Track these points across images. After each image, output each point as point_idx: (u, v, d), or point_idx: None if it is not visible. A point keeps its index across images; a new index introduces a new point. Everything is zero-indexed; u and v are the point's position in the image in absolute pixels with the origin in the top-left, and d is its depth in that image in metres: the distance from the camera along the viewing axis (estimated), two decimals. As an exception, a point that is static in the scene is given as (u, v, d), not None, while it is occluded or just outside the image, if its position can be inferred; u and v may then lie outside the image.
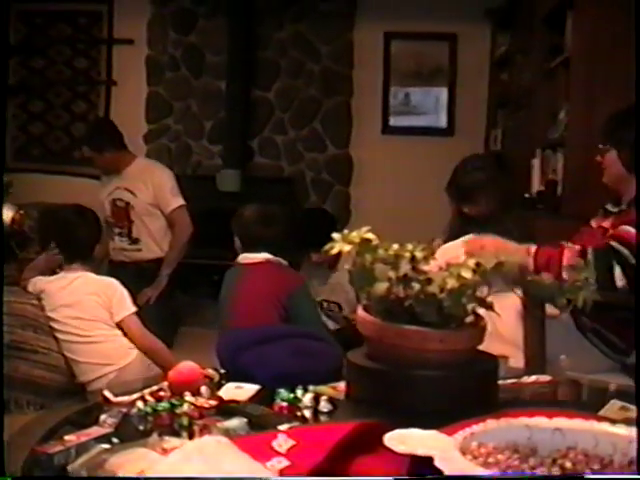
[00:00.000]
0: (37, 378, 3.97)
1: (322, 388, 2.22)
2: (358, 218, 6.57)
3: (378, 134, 6.79)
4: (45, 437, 1.99)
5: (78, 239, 4.13)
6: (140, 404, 2.08)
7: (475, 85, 6.64)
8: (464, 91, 6.71)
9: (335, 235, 1.86)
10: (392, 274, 1.86)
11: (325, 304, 4.72)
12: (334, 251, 1.83)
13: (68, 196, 6.60)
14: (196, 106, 6.84)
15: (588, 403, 2.40)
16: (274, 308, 3.42)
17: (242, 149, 6.63)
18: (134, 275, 4.77)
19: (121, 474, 1.63)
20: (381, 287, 1.84)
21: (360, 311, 1.95)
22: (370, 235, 1.84)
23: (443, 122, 6.83)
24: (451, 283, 1.80)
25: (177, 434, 1.95)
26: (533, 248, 2.74)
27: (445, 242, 3.08)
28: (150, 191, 5.11)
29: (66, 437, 1.85)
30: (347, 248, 1.83)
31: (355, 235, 1.83)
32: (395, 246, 1.91)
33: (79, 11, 7.13)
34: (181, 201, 5.20)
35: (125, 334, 3.98)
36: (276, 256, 3.64)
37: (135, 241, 5.17)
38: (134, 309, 4.02)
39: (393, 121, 6.85)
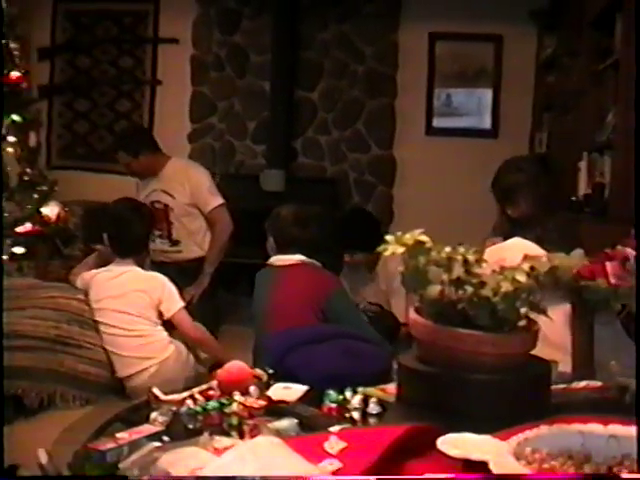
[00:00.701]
0: (82, 373, 4.01)
1: (371, 390, 2.22)
2: (401, 219, 6.55)
3: (422, 135, 6.76)
4: (96, 434, 2.00)
5: (132, 234, 4.19)
6: (190, 403, 2.09)
7: (520, 87, 6.59)
8: (509, 93, 6.66)
9: (388, 237, 1.85)
10: (445, 277, 1.85)
11: (366, 305, 4.68)
12: (387, 253, 1.82)
13: (112, 194, 6.65)
14: (240, 106, 6.86)
15: None
16: (311, 310, 3.40)
17: (286, 149, 6.63)
18: (175, 274, 4.76)
19: (173, 472, 1.64)
20: (434, 290, 1.83)
21: (412, 313, 1.95)
22: (423, 237, 1.83)
23: (487, 124, 6.79)
24: (505, 286, 1.78)
25: (227, 433, 1.95)
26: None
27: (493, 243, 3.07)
28: (187, 191, 5.10)
29: (118, 434, 1.86)
30: (400, 250, 1.82)
31: (409, 237, 1.82)
32: (447, 248, 1.90)
33: (125, 10, 7.18)
34: (220, 200, 5.18)
35: (166, 328, 4.05)
36: (311, 258, 3.62)
37: (175, 243, 5.17)
38: (183, 304, 4.09)
39: (436, 122, 6.82)
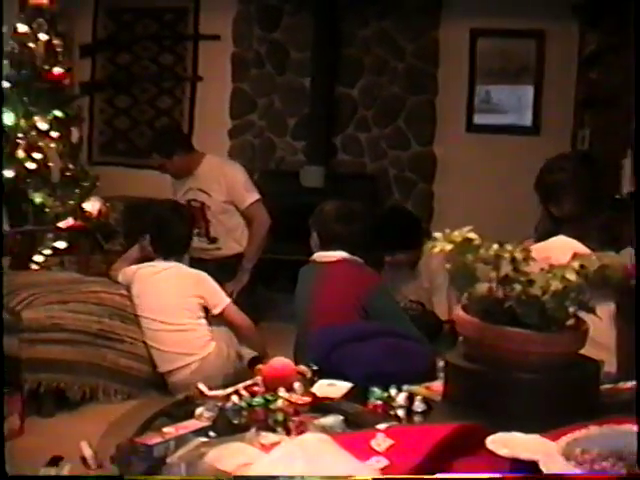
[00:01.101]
0: (124, 367, 4.06)
1: (416, 388, 2.21)
2: (441, 217, 6.52)
3: (462, 132, 6.71)
4: (141, 428, 2.01)
5: (173, 235, 4.24)
6: (235, 398, 2.09)
7: (562, 83, 6.52)
8: (550, 89, 6.60)
9: (437, 234, 1.84)
10: (493, 274, 1.84)
11: (407, 303, 4.67)
12: (436, 250, 1.82)
13: (152, 190, 6.70)
14: (280, 102, 6.86)
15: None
16: (353, 307, 3.39)
17: (326, 146, 6.62)
18: (215, 271, 4.78)
19: (220, 468, 1.64)
20: (482, 288, 1.82)
21: (459, 311, 1.93)
22: (472, 235, 1.82)
23: (528, 121, 6.73)
24: (555, 285, 1.77)
25: (272, 430, 1.95)
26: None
27: (535, 242, 3.03)
28: (223, 189, 5.10)
29: (165, 429, 1.86)
30: (448, 247, 1.81)
31: (457, 234, 1.81)
32: (495, 246, 1.88)
33: (166, 7, 7.20)
34: (256, 195, 5.18)
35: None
36: (353, 255, 3.61)
37: (214, 240, 5.18)
38: (229, 299, 4.14)
39: (477, 119, 6.77)
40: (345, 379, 2.28)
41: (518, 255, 1.88)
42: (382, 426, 1.83)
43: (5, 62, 5.48)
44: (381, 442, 1.68)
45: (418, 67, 6.64)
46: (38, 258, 5.23)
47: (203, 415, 2.00)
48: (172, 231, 4.26)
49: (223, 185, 5.09)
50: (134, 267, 4.26)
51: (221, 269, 5.06)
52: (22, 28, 5.48)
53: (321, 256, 3.61)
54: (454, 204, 6.52)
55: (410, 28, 6.62)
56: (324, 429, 1.86)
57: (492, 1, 6.50)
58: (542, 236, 3.36)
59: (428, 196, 6.68)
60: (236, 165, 5.38)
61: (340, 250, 3.55)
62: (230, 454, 1.66)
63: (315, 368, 2.35)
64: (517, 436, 1.62)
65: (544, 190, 3.79)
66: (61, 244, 5.37)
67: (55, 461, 2.59)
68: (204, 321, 4.09)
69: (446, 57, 6.66)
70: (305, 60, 6.70)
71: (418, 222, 4.94)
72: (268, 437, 1.77)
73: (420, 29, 6.62)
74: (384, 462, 1.63)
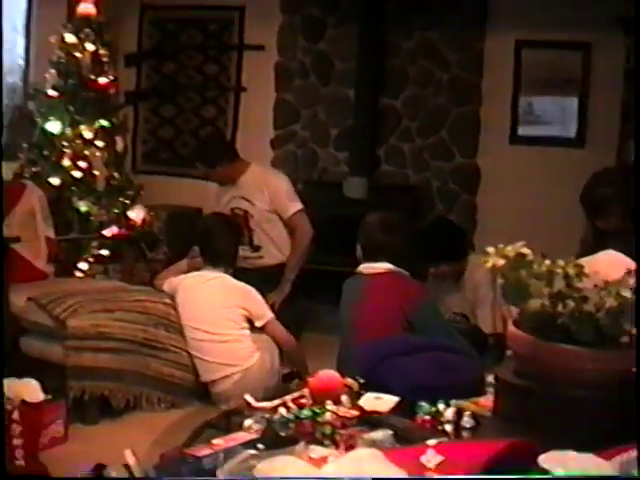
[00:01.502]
0: (167, 376, 4.07)
1: (464, 402, 2.20)
2: (484, 229, 6.47)
3: (506, 143, 6.66)
4: (190, 439, 2.02)
5: (222, 248, 4.29)
6: (283, 411, 2.09)
7: (607, 95, 6.44)
8: (596, 101, 6.53)
9: (489, 248, 1.82)
10: (546, 290, 1.82)
11: (451, 316, 4.63)
12: (488, 265, 1.80)
13: (195, 199, 6.75)
14: (323, 113, 6.86)
15: None
16: (397, 320, 3.37)
17: (369, 157, 6.61)
18: (257, 280, 4.79)
19: (270, 481, 1.63)
20: (535, 303, 1.80)
21: (511, 327, 1.91)
22: (525, 250, 1.80)
23: (572, 132, 6.66)
24: (609, 302, 1.74)
25: (320, 442, 1.95)
26: None
27: (580, 256, 2.99)
28: (267, 198, 5.11)
29: (213, 441, 1.87)
30: (501, 262, 1.79)
31: (510, 249, 1.80)
32: (547, 262, 1.86)
33: (210, 18, 7.24)
34: (299, 205, 5.17)
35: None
36: (398, 266, 3.59)
37: (257, 249, 5.18)
38: (272, 314, 4.15)
39: (521, 130, 6.72)
40: (391, 392, 2.27)
41: (571, 271, 1.86)
42: (432, 442, 1.82)
43: (52, 71, 5.55)
44: (431, 458, 1.66)
45: (462, 78, 6.61)
46: (83, 266, 5.27)
47: (251, 427, 1.99)
48: (220, 243, 4.32)
49: (266, 194, 5.10)
50: (180, 277, 4.29)
51: (263, 279, 5.05)
52: (69, 38, 5.53)
53: (366, 268, 3.61)
54: (497, 216, 6.47)
55: (455, 39, 6.60)
56: (374, 443, 1.84)
57: (538, 12, 6.45)
58: (587, 250, 3.32)
59: (471, 208, 6.64)
60: (280, 174, 5.39)
61: (385, 262, 3.54)
62: (280, 467, 1.65)
63: (362, 381, 2.33)
64: (570, 454, 1.60)
65: (590, 204, 3.76)
66: (105, 252, 5.41)
67: (99, 469, 2.59)
68: (248, 332, 4.10)
69: (490, 68, 6.62)
70: (349, 71, 6.70)
71: (463, 233, 4.90)
72: (317, 450, 1.76)
73: (465, 40, 6.59)
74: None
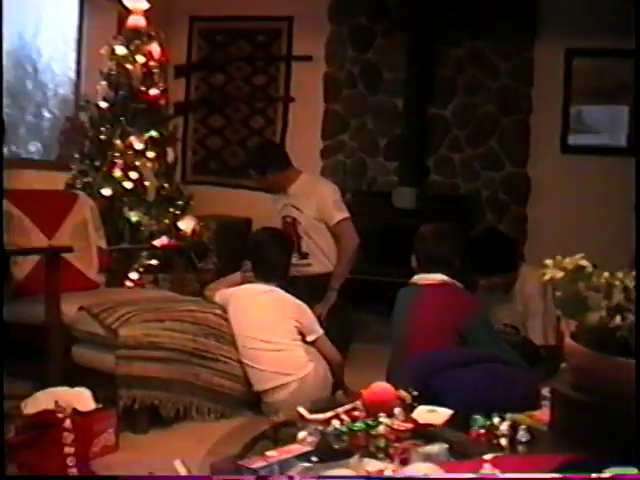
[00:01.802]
0: (217, 386, 4.08)
1: (519, 416, 2.16)
2: (534, 239, 6.42)
3: (557, 152, 6.60)
4: (244, 450, 2.01)
5: (273, 262, 4.32)
6: (336, 423, 2.07)
7: (660, 104, 6.37)
8: (648, 110, 6.45)
9: (547, 261, 1.80)
10: (604, 303, 1.79)
11: (501, 327, 4.59)
12: (546, 277, 1.77)
13: (245, 210, 6.78)
14: (372, 123, 6.86)
15: None
16: (450, 333, 3.35)
17: (418, 167, 6.59)
18: (306, 290, 4.79)
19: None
20: (594, 316, 1.77)
21: (568, 340, 1.89)
22: (584, 262, 1.77)
23: (622, 141, 6.59)
24: (670, 315, 1.71)
25: (373, 456, 1.93)
26: None
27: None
28: (314, 205, 5.13)
29: (268, 453, 1.86)
30: (559, 274, 1.76)
31: (568, 261, 1.77)
32: (606, 274, 1.83)
33: (259, 29, 7.28)
34: (345, 214, 5.18)
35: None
36: (452, 278, 3.57)
37: (305, 256, 5.19)
38: (322, 331, 4.17)
39: (571, 140, 6.66)
40: (444, 405, 2.25)
41: (629, 283, 1.82)
42: (488, 456, 1.79)
43: (103, 83, 5.61)
44: (488, 473, 1.64)
45: (512, 87, 6.57)
46: (133, 276, 5.31)
47: (305, 439, 1.98)
48: (272, 258, 4.36)
49: (314, 202, 5.12)
50: (232, 288, 4.33)
51: (312, 287, 5.05)
52: (120, 50, 5.59)
53: (421, 278, 3.59)
54: (547, 226, 6.42)
55: (504, 47, 6.56)
56: (428, 457, 1.82)
57: (588, 21, 6.39)
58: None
59: (521, 218, 6.59)
60: (329, 183, 5.40)
61: (439, 273, 3.53)
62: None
63: (415, 393, 2.31)
64: (631, 471, 1.57)
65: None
66: (155, 262, 5.45)
67: (150, 478, 2.60)
68: (300, 343, 4.11)
69: (540, 76, 6.58)
70: (398, 80, 6.69)
71: (514, 245, 4.86)
72: (372, 464, 1.74)
73: (514, 48, 6.55)
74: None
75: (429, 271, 3.55)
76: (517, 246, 4.91)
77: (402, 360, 3.26)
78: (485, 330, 3.44)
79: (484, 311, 3.69)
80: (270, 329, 4.08)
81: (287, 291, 4.26)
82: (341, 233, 5.15)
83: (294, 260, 5.11)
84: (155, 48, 5.69)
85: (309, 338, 4.15)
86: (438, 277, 3.52)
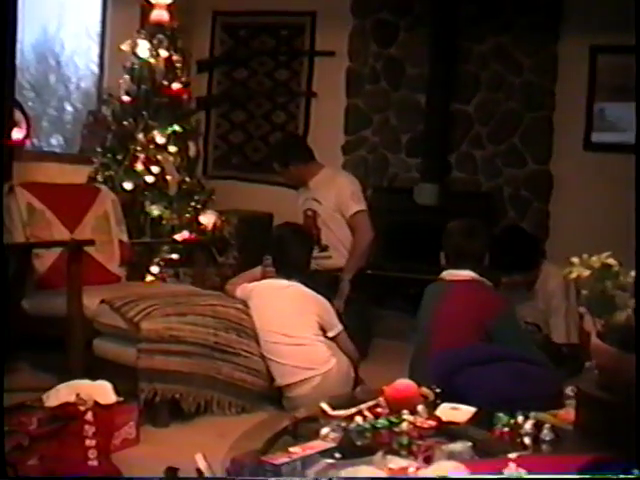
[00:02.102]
0: (238, 381, 4.08)
1: (543, 415, 2.15)
2: (556, 237, 6.37)
3: (580, 150, 6.55)
4: (266, 445, 2.01)
5: (295, 258, 4.34)
6: (359, 419, 2.07)
7: (686, 101, 6.32)
8: (673, 107, 6.40)
9: (574, 259, 1.78)
10: (631, 302, 1.77)
11: (524, 325, 4.56)
12: (572, 275, 1.76)
13: (266, 204, 6.78)
14: (394, 119, 6.83)
15: None
16: (475, 330, 3.34)
17: (440, 163, 6.55)
18: (324, 283, 4.79)
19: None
20: (621, 315, 1.75)
21: (594, 339, 1.87)
22: (611, 260, 1.76)
23: (647, 139, 6.54)
24: (699, 315, 1.69)
25: (396, 453, 1.92)
26: None
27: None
28: (332, 197, 5.17)
29: (291, 449, 1.85)
30: (586, 273, 1.75)
31: (595, 260, 1.75)
32: (632, 273, 1.82)
33: (282, 23, 7.26)
34: (362, 206, 5.19)
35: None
36: (480, 275, 3.56)
37: (324, 248, 5.21)
38: (342, 326, 4.18)
39: (595, 137, 6.61)
40: (468, 403, 2.23)
41: (657, 282, 1.80)
42: (512, 455, 1.78)
43: (126, 77, 5.61)
44: (513, 472, 1.63)
45: (535, 83, 6.52)
46: (154, 270, 5.32)
47: (328, 435, 1.98)
48: (294, 254, 4.38)
49: (332, 193, 5.16)
50: (254, 283, 4.34)
51: (331, 281, 5.07)
52: (143, 44, 5.59)
53: (449, 274, 3.59)
54: (570, 224, 6.37)
55: (528, 43, 6.51)
56: (452, 455, 1.82)
57: (613, 18, 6.33)
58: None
59: (544, 215, 6.54)
60: (349, 176, 5.43)
61: (467, 269, 3.52)
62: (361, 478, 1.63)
63: (438, 390, 2.30)
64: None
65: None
66: (176, 256, 5.45)
67: (171, 471, 2.60)
68: (323, 339, 4.11)
69: (564, 73, 6.53)
70: (421, 76, 6.66)
71: (536, 242, 4.84)
72: (396, 461, 1.74)
73: (538, 44, 6.50)
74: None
75: (457, 267, 3.55)
76: (539, 244, 4.87)
77: (426, 356, 3.25)
78: (513, 329, 3.43)
79: (512, 310, 3.68)
80: (292, 324, 4.08)
81: (307, 285, 4.26)
82: (356, 225, 5.17)
83: (315, 253, 5.13)
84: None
85: (330, 333, 4.15)
86: (466, 273, 3.52)
